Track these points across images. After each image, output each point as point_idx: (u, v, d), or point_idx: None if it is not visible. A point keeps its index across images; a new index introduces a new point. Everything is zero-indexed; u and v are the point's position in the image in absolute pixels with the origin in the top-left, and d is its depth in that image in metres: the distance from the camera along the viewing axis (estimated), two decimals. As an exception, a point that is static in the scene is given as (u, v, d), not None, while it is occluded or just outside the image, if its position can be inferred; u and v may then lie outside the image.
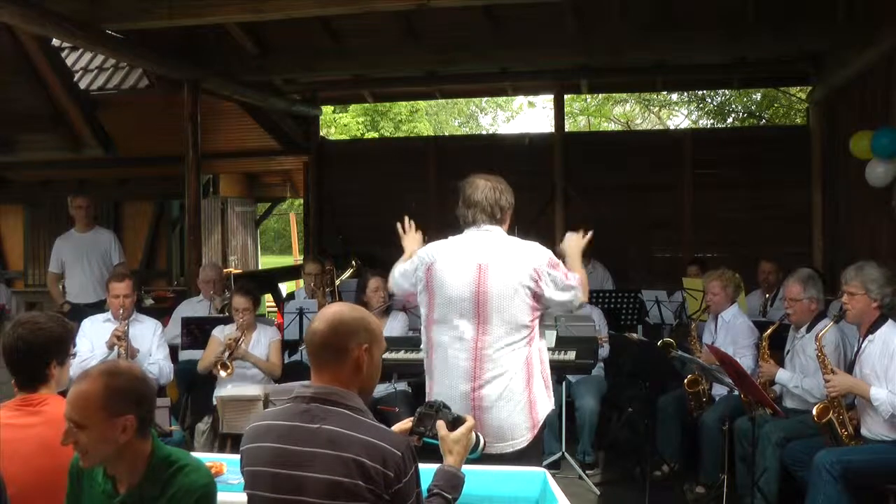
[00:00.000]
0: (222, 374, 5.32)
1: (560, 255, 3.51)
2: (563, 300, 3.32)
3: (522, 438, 3.24)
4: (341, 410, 2.22)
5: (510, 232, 3.48)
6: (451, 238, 3.42)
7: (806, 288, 4.81)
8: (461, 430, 2.48)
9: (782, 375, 4.85)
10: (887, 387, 4.04)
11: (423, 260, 3.38)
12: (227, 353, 5.36)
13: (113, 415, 2.23)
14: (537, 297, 3.25)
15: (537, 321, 3.31)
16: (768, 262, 7.08)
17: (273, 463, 2.22)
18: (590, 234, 3.68)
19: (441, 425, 2.49)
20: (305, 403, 2.26)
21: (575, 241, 3.63)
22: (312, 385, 2.31)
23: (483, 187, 3.39)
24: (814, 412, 4.26)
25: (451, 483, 2.40)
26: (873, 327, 4.21)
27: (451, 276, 3.28)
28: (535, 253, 3.30)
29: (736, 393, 4.90)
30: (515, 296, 3.22)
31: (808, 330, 4.83)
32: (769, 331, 4.98)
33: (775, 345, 5.19)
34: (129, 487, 2.32)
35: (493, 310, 3.22)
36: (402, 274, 3.52)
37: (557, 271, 3.29)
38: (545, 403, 3.31)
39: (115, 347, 5.14)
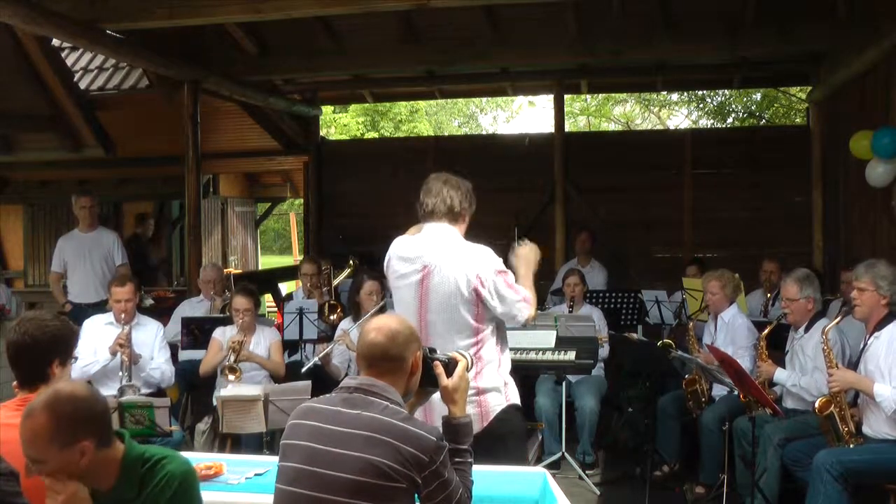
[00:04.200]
0: (231, 377, 5.30)
1: (512, 269, 3.46)
2: (504, 311, 3.31)
3: None
4: (381, 402, 2.40)
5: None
6: (409, 236, 3.53)
7: (803, 288, 4.80)
8: (457, 374, 2.62)
9: (780, 374, 4.85)
10: (891, 384, 4.04)
11: (388, 254, 3.55)
12: (232, 357, 5.35)
13: (66, 445, 2.18)
14: (481, 301, 3.27)
15: (487, 322, 3.32)
16: (771, 261, 7.07)
17: (312, 438, 2.38)
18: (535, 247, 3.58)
19: (442, 375, 2.61)
20: (349, 393, 2.45)
21: (525, 254, 3.53)
22: (356, 377, 2.50)
23: (448, 181, 3.45)
24: (816, 405, 4.27)
25: (464, 433, 2.57)
26: (880, 325, 4.21)
27: (400, 275, 3.42)
28: (482, 259, 3.31)
29: (735, 393, 4.90)
30: (456, 300, 3.27)
31: (807, 330, 4.83)
32: (766, 331, 4.98)
33: (776, 346, 5.19)
34: (106, 490, 2.31)
35: (434, 312, 3.30)
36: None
37: (502, 281, 3.29)
38: (497, 396, 3.32)
39: (117, 354, 5.15)
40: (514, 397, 3.42)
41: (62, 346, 2.82)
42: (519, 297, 3.33)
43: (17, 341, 2.77)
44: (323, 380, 5.74)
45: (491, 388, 3.32)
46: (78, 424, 2.21)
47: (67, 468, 2.21)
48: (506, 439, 3.35)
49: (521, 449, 3.55)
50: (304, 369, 5.62)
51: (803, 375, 4.77)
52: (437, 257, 3.32)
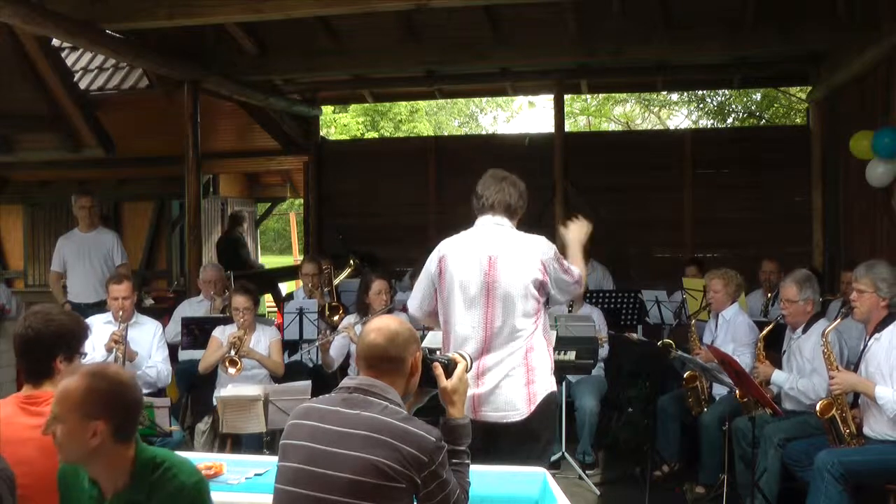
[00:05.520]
0: (231, 370, 5.31)
1: (561, 245, 3.68)
2: (560, 298, 3.60)
3: (516, 411, 3.41)
4: (381, 402, 2.41)
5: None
6: (462, 233, 3.61)
7: (802, 289, 4.80)
8: (456, 376, 2.65)
9: (778, 377, 4.85)
10: (893, 386, 4.04)
11: (436, 254, 3.60)
12: (232, 351, 5.36)
13: (86, 417, 2.22)
14: (543, 288, 3.46)
15: (542, 309, 3.50)
16: (771, 261, 7.08)
17: (312, 438, 2.38)
18: (589, 225, 3.81)
19: (441, 376, 2.63)
20: (348, 393, 2.46)
21: (576, 231, 3.75)
22: (356, 377, 2.50)
23: (507, 179, 3.61)
24: (817, 407, 4.27)
25: (462, 434, 2.58)
26: (880, 326, 4.21)
27: (462, 267, 3.49)
28: (541, 246, 3.49)
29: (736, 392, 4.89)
30: (523, 287, 3.42)
31: (805, 331, 4.83)
32: (764, 332, 4.99)
33: (773, 345, 5.19)
34: (115, 492, 2.30)
35: (501, 299, 3.42)
36: (416, 297, 3.66)
37: (560, 267, 3.50)
38: (544, 382, 3.46)
39: (114, 350, 5.14)
40: (554, 384, 3.55)
41: (67, 340, 2.81)
42: (573, 280, 3.55)
43: (21, 334, 2.79)
44: (323, 379, 5.76)
45: (540, 371, 3.45)
46: (105, 404, 2.24)
47: (75, 440, 2.23)
48: (539, 437, 3.46)
49: (548, 451, 3.65)
50: (303, 349, 5.70)
51: (801, 377, 4.77)
52: (500, 247, 3.46)
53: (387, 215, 10.20)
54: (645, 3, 7.69)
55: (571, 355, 5.24)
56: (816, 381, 4.62)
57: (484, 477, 2.93)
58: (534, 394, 3.41)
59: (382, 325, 2.52)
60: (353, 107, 19.40)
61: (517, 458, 3.32)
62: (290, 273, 11.73)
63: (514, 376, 3.40)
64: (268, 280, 11.06)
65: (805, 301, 4.80)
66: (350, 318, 6.02)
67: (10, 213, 12.33)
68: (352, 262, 8.15)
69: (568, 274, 3.51)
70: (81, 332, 2.90)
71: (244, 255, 11.65)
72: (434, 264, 3.58)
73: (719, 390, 5.36)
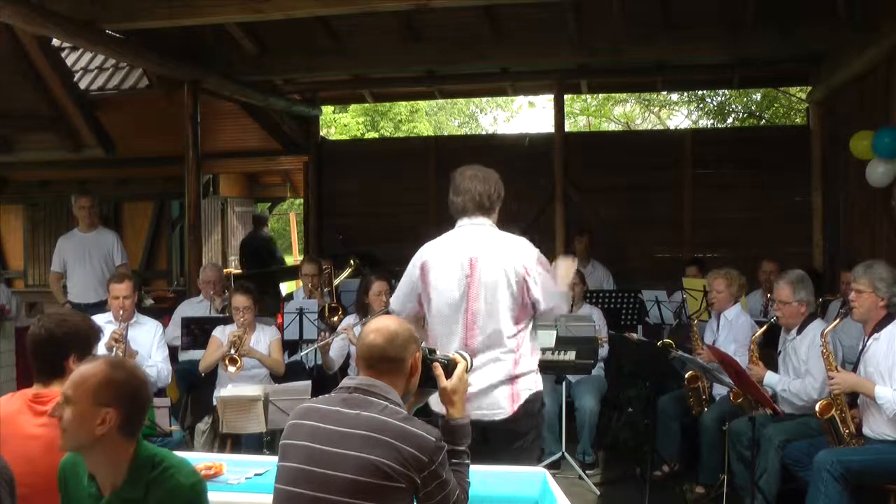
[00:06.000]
0: (231, 369, 5.30)
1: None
2: (545, 305, 3.41)
3: (500, 410, 3.37)
4: (381, 402, 2.39)
5: (502, 227, 3.57)
6: (444, 235, 3.55)
7: (796, 291, 4.78)
8: (456, 376, 2.65)
9: (770, 378, 4.84)
10: (892, 385, 4.04)
11: (417, 258, 3.54)
12: (232, 349, 5.37)
13: (97, 403, 2.24)
14: (526, 290, 3.37)
15: (527, 312, 3.42)
16: (770, 261, 7.08)
17: (311, 438, 2.38)
18: (575, 263, 3.78)
19: (441, 376, 2.63)
20: (348, 393, 2.45)
21: (564, 269, 3.65)
22: (356, 377, 2.50)
23: (474, 177, 3.51)
24: (817, 408, 4.27)
25: (462, 434, 2.59)
26: (879, 326, 4.21)
27: (444, 271, 3.43)
28: (524, 249, 3.43)
29: (735, 393, 4.89)
30: (505, 287, 3.35)
31: (799, 332, 4.82)
32: (758, 333, 4.99)
33: (770, 345, 5.19)
34: (113, 489, 2.31)
35: (483, 301, 3.36)
36: (398, 296, 3.65)
37: (545, 271, 3.42)
38: (528, 382, 3.43)
39: (114, 349, 5.14)
40: (539, 384, 3.51)
41: (79, 341, 2.87)
42: (561, 291, 3.48)
43: (34, 334, 2.86)
44: (323, 379, 5.76)
45: (525, 372, 3.42)
46: (119, 393, 2.27)
47: (82, 425, 2.24)
48: (525, 435, 3.44)
49: (536, 448, 3.64)
50: (303, 352, 5.68)
51: (796, 378, 4.76)
52: (481, 250, 3.40)
53: (387, 215, 10.20)
54: (645, 3, 7.69)
55: (571, 355, 5.24)
56: (809, 382, 4.62)
57: (484, 477, 2.93)
58: (517, 393, 3.39)
59: (381, 326, 2.53)
60: (353, 107, 19.39)
61: (505, 455, 3.32)
62: (289, 273, 11.72)
63: (498, 377, 3.37)
64: (268, 280, 11.05)
65: (799, 302, 4.78)
66: (349, 319, 6.02)
67: (10, 213, 12.33)
68: (352, 262, 8.15)
69: (554, 282, 3.44)
70: (94, 334, 2.98)
71: (279, 253, 11.75)
72: (416, 269, 3.52)
73: (720, 390, 5.35)
